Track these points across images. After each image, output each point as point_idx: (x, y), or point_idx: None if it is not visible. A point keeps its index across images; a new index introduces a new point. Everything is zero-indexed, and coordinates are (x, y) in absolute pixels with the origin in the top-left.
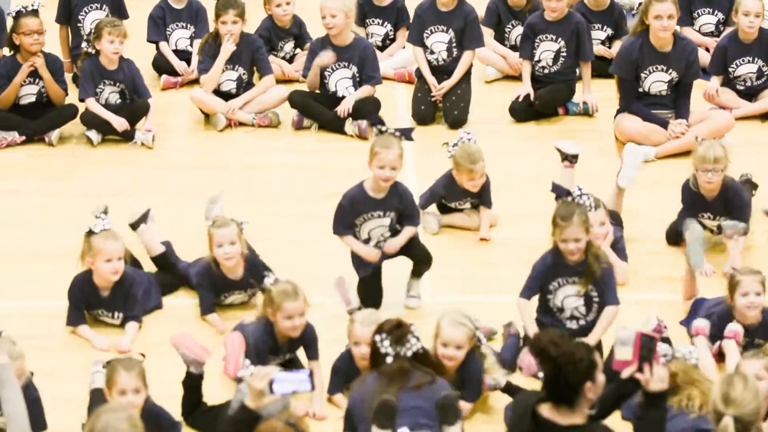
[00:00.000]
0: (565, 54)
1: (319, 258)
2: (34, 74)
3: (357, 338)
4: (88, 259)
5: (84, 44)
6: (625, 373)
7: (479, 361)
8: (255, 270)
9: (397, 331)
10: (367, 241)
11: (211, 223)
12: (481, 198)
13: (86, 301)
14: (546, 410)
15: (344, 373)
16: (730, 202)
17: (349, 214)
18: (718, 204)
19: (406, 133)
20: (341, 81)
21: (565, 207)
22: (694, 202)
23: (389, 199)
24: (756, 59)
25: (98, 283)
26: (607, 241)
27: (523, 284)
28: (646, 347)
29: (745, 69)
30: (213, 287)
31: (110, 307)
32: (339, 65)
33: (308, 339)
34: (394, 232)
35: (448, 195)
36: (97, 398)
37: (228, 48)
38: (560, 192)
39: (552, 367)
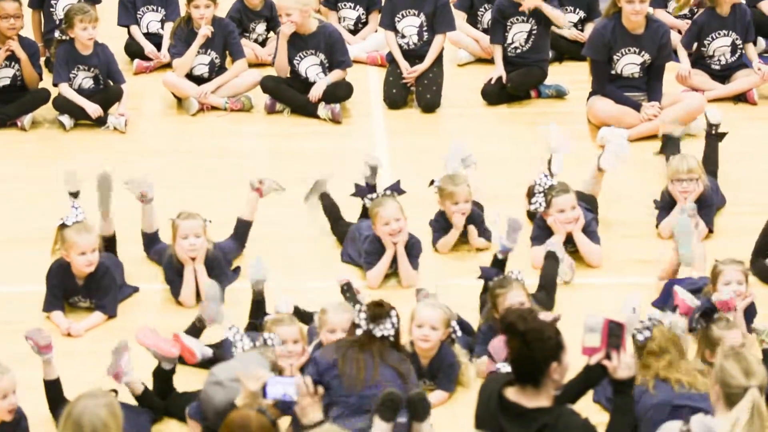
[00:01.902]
0: (536, 33)
1: (293, 241)
2: (10, 58)
3: (332, 326)
4: (62, 251)
5: (57, 33)
6: (593, 360)
7: (454, 353)
8: (216, 264)
9: (377, 309)
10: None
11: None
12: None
13: (63, 288)
14: (512, 393)
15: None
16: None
17: None
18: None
19: (395, 189)
20: (311, 68)
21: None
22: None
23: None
24: (730, 32)
25: (74, 271)
26: (578, 225)
27: None
28: (614, 334)
29: (720, 43)
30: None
31: (86, 294)
32: (306, 53)
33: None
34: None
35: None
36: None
37: (204, 33)
38: (489, 274)
39: (520, 343)
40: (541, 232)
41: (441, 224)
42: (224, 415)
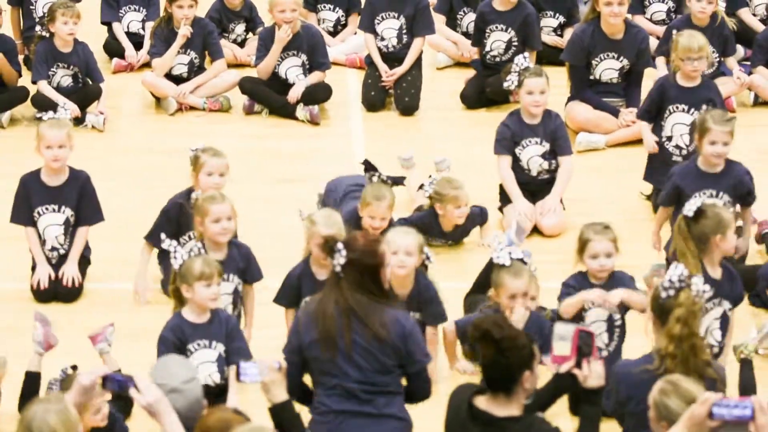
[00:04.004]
0: (516, 43)
1: (271, 241)
2: None
3: (320, 239)
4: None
5: (38, 27)
6: (563, 369)
7: (432, 282)
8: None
9: (324, 243)
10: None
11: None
12: (467, 231)
13: (29, 197)
14: (482, 402)
15: (297, 285)
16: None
17: None
18: None
19: (397, 181)
20: (291, 69)
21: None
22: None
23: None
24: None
25: (44, 178)
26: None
27: None
28: (585, 343)
29: None
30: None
31: (57, 199)
32: (288, 54)
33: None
34: None
35: (432, 233)
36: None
37: (185, 33)
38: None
39: (494, 350)
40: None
41: (428, 225)
42: (192, 418)
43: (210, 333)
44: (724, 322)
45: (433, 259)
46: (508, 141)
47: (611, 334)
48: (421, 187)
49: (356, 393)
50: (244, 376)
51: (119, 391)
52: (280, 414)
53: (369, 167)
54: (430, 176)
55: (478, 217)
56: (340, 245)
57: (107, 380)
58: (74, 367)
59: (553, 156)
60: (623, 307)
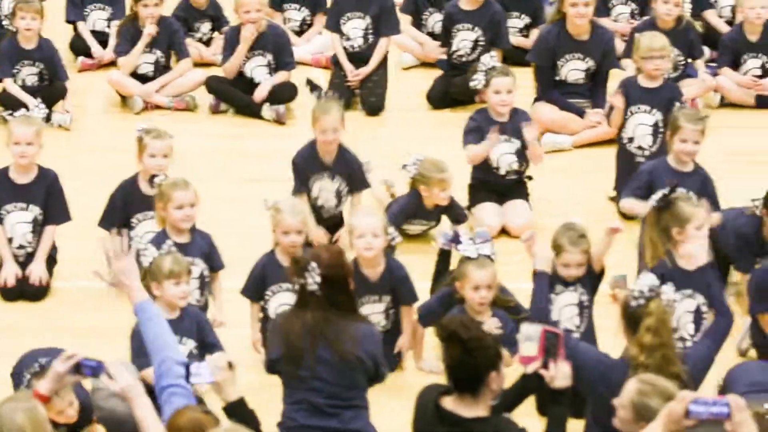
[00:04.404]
0: (483, 43)
1: (237, 240)
2: None
3: (286, 228)
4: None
5: (5, 22)
6: (530, 369)
7: (401, 264)
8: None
9: (295, 264)
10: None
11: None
12: (450, 214)
13: None
14: (449, 402)
15: (261, 275)
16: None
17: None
18: None
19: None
20: (257, 68)
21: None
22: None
23: None
24: (672, 49)
25: (12, 176)
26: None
27: None
28: (551, 343)
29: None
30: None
31: (24, 197)
32: (254, 54)
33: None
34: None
35: (417, 214)
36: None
37: (150, 32)
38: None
39: (460, 351)
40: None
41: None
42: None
43: (180, 329)
44: (698, 316)
45: (399, 238)
46: (475, 133)
47: (581, 316)
48: (404, 167)
49: (322, 408)
50: (196, 377)
51: (92, 376)
52: (235, 412)
53: (313, 87)
54: (414, 156)
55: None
56: (312, 264)
57: (80, 366)
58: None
59: (523, 155)
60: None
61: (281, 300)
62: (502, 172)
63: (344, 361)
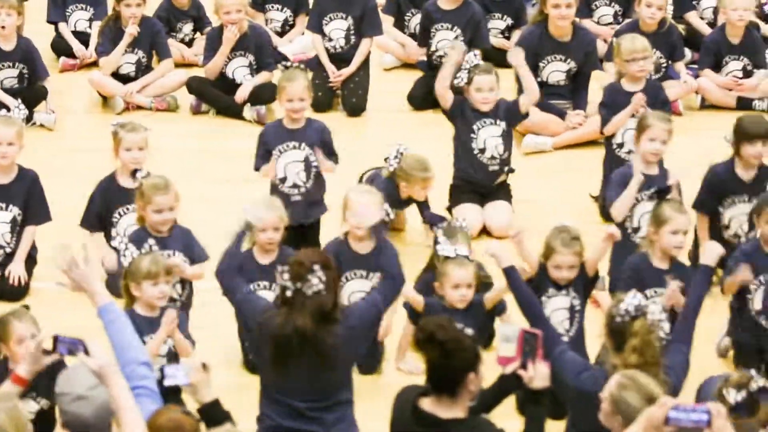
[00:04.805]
0: (462, 42)
1: (217, 241)
2: None
3: (264, 225)
4: None
5: None
6: (508, 370)
7: (391, 245)
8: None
9: (298, 267)
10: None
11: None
12: (420, 206)
13: None
14: (427, 404)
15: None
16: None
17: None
18: None
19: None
20: (238, 69)
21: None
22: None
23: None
24: (655, 51)
25: None
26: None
27: None
28: (529, 344)
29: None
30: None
31: (4, 197)
32: (235, 54)
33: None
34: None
35: (391, 204)
36: None
37: (131, 32)
38: (435, 220)
39: (438, 352)
40: None
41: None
42: (100, 425)
43: (159, 327)
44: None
45: (392, 215)
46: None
47: (572, 321)
48: (386, 159)
49: (303, 412)
50: (171, 378)
51: (68, 354)
52: (210, 414)
53: (282, 58)
54: (397, 149)
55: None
56: (316, 266)
57: (57, 342)
58: (26, 307)
59: (508, 140)
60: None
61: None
62: (488, 155)
63: (328, 368)
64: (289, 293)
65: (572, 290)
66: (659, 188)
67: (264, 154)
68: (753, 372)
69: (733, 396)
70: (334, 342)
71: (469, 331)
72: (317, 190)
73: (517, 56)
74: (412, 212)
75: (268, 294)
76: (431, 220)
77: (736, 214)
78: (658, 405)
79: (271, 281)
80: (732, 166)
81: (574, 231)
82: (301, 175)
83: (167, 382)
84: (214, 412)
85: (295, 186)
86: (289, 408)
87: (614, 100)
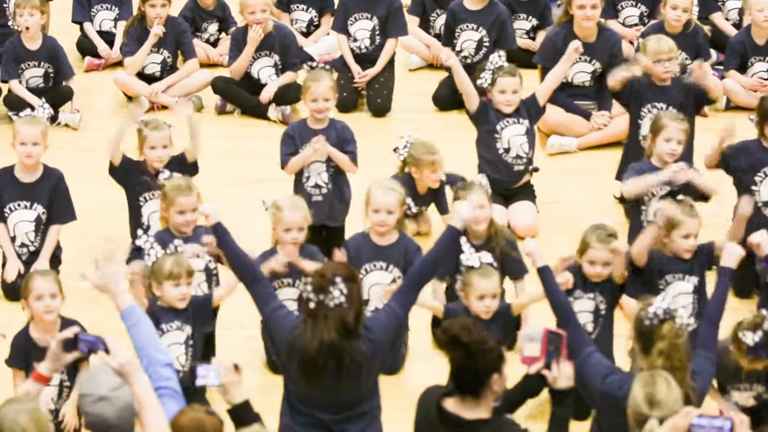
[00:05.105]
0: (487, 43)
1: (243, 242)
2: None
3: (288, 224)
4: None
5: (11, 22)
6: (532, 369)
7: (413, 240)
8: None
9: (319, 279)
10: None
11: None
12: (438, 201)
13: (1, 194)
14: (451, 404)
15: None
16: None
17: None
18: None
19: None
20: (263, 69)
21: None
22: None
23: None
24: (680, 52)
25: (18, 174)
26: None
27: None
28: (554, 344)
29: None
30: None
31: (29, 196)
32: (260, 54)
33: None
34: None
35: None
36: None
37: (156, 32)
38: (453, 180)
39: (462, 354)
40: None
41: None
42: (123, 425)
43: (184, 317)
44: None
45: (414, 209)
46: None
47: (595, 324)
48: (395, 150)
49: (328, 424)
50: (203, 378)
51: (88, 353)
52: (240, 415)
53: (307, 57)
54: (403, 138)
55: (453, 185)
56: (338, 278)
57: (78, 340)
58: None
59: (532, 137)
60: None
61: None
62: (513, 155)
63: (354, 379)
64: (312, 305)
65: (599, 294)
66: (672, 189)
67: (289, 151)
68: (764, 311)
69: (750, 337)
70: (358, 357)
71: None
72: (340, 192)
73: (448, 58)
74: (435, 216)
75: (291, 291)
76: (450, 180)
77: None
78: (683, 414)
79: (294, 278)
80: (760, 144)
81: (611, 228)
82: (323, 176)
83: (198, 383)
84: (244, 413)
85: (316, 186)
86: (313, 419)
87: (640, 95)
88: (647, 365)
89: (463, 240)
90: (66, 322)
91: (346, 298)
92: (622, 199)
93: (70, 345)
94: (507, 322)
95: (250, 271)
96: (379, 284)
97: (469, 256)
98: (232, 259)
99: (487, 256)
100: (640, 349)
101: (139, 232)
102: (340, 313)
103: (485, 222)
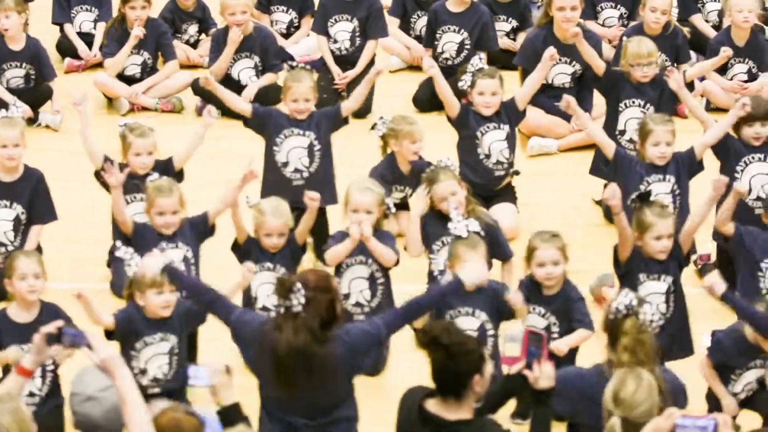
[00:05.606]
0: (468, 45)
1: (224, 243)
2: None
3: (269, 230)
4: None
5: None
6: (513, 370)
7: (391, 235)
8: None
9: (280, 286)
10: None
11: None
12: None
13: None
14: (432, 405)
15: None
16: None
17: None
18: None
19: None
20: (244, 71)
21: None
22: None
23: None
24: (660, 53)
25: None
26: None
27: None
28: (534, 344)
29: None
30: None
31: (8, 195)
32: (241, 56)
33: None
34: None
35: (394, 180)
36: None
37: (137, 34)
38: (420, 166)
39: (443, 356)
40: None
41: (391, 170)
42: (110, 426)
43: (169, 327)
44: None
45: (393, 209)
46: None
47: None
48: (373, 127)
49: (302, 429)
50: (195, 379)
51: (72, 346)
52: (230, 417)
53: (288, 57)
54: (381, 117)
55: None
56: (298, 285)
57: (62, 333)
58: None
59: (512, 142)
60: None
61: None
62: (493, 160)
63: (327, 384)
64: (281, 309)
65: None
66: (640, 193)
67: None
68: None
69: None
70: (329, 359)
71: (482, 314)
72: (322, 175)
73: (430, 67)
74: None
75: (271, 275)
76: (416, 167)
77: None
78: (665, 416)
79: (275, 263)
80: None
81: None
82: (304, 161)
83: (192, 383)
84: (233, 416)
85: (297, 171)
86: (289, 425)
87: (619, 91)
88: (616, 363)
89: (452, 206)
90: (45, 306)
91: (303, 307)
92: (599, 202)
93: (53, 338)
94: (494, 299)
95: (207, 291)
96: (359, 278)
97: (456, 225)
98: (189, 289)
99: (474, 224)
100: (607, 342)
101: (118, 243)
102: (303, 320)
103: (461, 207)
